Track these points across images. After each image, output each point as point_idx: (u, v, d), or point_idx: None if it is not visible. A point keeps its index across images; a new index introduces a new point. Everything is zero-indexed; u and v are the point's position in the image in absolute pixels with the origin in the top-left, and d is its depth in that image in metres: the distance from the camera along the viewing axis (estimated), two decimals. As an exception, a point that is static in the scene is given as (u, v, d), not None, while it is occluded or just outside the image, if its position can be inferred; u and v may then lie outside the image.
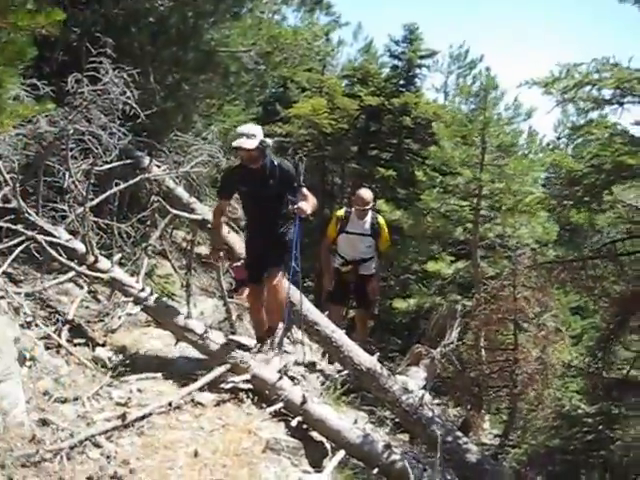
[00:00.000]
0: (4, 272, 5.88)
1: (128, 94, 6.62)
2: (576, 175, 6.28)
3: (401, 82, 15.67)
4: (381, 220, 7.60)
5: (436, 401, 7.50)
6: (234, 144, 5.47)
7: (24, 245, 5.94)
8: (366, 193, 7.48)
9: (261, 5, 10.76)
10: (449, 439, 5.63)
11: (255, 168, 5.62)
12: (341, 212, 7.66)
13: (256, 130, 5.52)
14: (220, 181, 6.54)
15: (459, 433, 5.94)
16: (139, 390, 5.18)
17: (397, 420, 6.47)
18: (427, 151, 10.76)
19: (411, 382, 7.57)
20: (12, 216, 6.12)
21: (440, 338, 8.72)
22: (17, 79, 4.49)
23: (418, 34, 15.33)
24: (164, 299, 6.22)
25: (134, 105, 6.69)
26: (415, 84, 15.89)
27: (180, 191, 7.96)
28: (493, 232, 9.25)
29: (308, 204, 5.62)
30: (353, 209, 7.54)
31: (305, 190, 5.70)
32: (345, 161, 16.81)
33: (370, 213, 7.48)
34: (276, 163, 5.63)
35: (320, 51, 13.44)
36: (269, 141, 5.61)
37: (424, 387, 7.51)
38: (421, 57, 15.57)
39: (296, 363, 6.72)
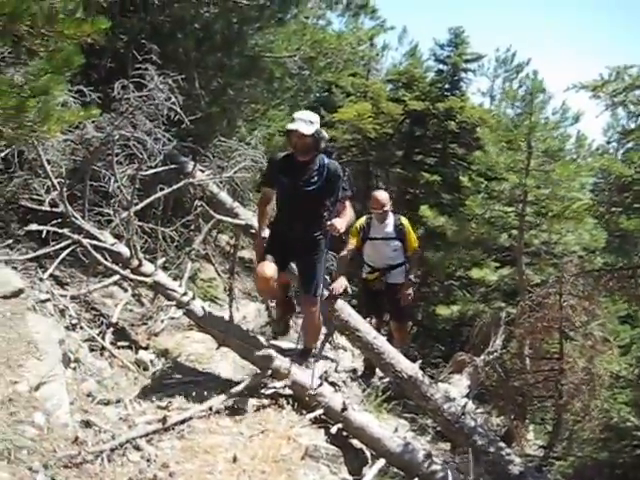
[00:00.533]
0: (51, 275, 6.01)
1: (173, 100, 6.70)
2: (626, 181, 6.12)
3: (446, 86, 15.50)
4: (404, 221, 7.07)
5: (479, 410, 7.37)
6: (289, 126, 5.03)
7: (70, 249, 6.06)
8: (381, 194, 7.03)
9: (306, 10, 10.79)
10: (491, 449, 5.52)
11: (303, 161, 5.16)
12: (362, 220, 7.10)
13: (315, 118, 5.10)
14: (264, 169, 6.30)
15: (502, 444, 5.82)
16: (180, 394, 5.21)
17: (439, 429, 6.39)
18: (472, 156, 10.61)
19: (454, 390, 7.49)
20: (59, 220, 6.26)
21: (484, 346, 8.59)
22: (64, 86, 4.56)
23: (464, 38, 15.14)
24: (206, 303, 6.25)
25: (179, 110, 6.77)
26: (460, 88, 15.70)
27: (224, 196, 8.00)
28: (539, 239, 9.05)
29: (343, 221, 5.21)
30: (373, 214, 7.08)
31: (347, 202, 5.42)
32: (390, 166, 16.71)
33: (391, 215, 7.03)
34: (326, 161, 5.14)
35: (364, 55, 13.40)
36: (325, 134, 5.19)
37: (467, 395, 7.40)
38: (467, 61, 15.36)
39: (337, 369, 6.72)
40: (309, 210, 5.24)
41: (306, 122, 4.98)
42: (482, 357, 8.16)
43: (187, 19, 8.76)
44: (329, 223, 5.11)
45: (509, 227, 9.14)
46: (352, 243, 6.96)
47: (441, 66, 15.77)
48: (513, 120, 9.51)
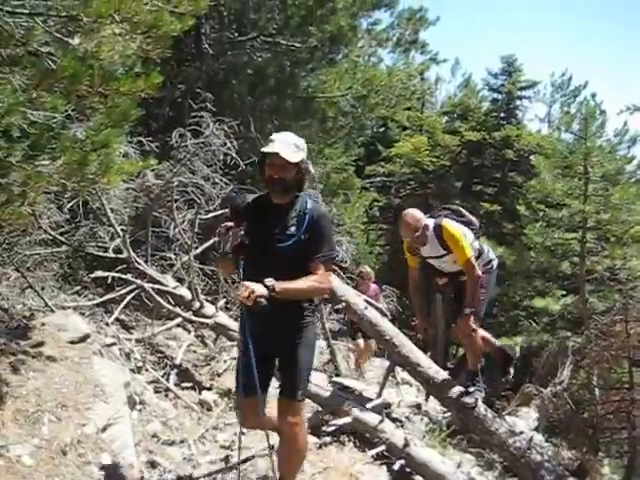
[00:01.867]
0: (117, 319, 6.23)
1: (228, 145, 6.91)
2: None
3: (502, 115, 15.52)
4: (445, 228, 5.42)
5: (546, 444, 7.16)
6: (265, 149, 3.43)
7: (134, 293, 6.27)
8: (409, 220, 5.42)
9: (356, 50, 11.01)
10: (560, 485, 5.38)
11: (280, 204, 3.51)
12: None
13: (301, 143, 3.53)
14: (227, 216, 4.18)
15: (572, 479, 5.66)
16: (243, 433, 5.27)
17: (506, 464, 6.25)
18: (528, 185, 10.54)
19: (521, 423, 7.32)
20: (123, 266, 6.50)
21: (551, 377, 8.39)
22: (124, 138, 4.78)
23: (517, 66, 15.16)
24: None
25: (234, 155, 6.96)
26: (516, 116, 15.69)
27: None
28: (602, 265, 8.85)
29: (288, 286, 3.31)
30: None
31: (322, 269, 3.44)
32: (449, 198, 16.65)
33: (430, 231, 5.42)
34: (309, 206, 3.49)
35: (416, 90, 13.51)
36: (312, 169, 3.71)
37: (536, 429, 7.23)
38: (521, 88, 15.36)
39: (400, 404, 6.69)
40: (288, 277, 3.33)
41: (289, 145, 3.43)
42: (549, 388, 7.97)
43: (240, 66, 9.09)
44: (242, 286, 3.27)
45: (570, 254, 8.97)
46: (409, 262, 5.97)
47: (495, 95, 15.80)
48: (568, 146, 9.40)
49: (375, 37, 12.49)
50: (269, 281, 3.22)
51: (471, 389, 5.82)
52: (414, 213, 5.46)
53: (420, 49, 13.39)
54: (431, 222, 5.42)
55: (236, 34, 9.33)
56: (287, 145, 3.41)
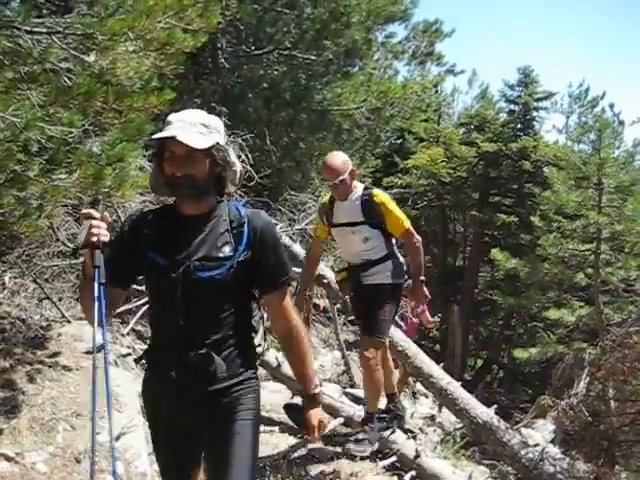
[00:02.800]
0: (132, 330, 6.32)
1: (243, 158, 6.99)
2: None
3: (518, 126, 15.52)
4: (378, 195, 4.59)
5: (560, 456, 7.12)
6: (160, 134, 2.25)
7: (148, 304, 6.34)
8: (333, 159, 4.58)
9: (372, 63, 11.10)
10: (574, 496, 5.37)
11: (194, 215, 2.35)
12: (326, 197, 4.96)
13: (214, 123, 2.34)
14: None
15: (586, 490, 5.64)
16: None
17: (520, 476, 6.24)
18: (541, 196, 10.53)
19: (537, 435, 7.31)
20: (139, 277, 6.58)
21: (567, 389, 8.35)
22: (138, 153, 4.88)
23: (534, 77, 15.18)
24: (279, 354, 6.38)
25: (249, 168, 7.05)
26: (533, 127, 15.68)
27: (297, 248, 8.19)
28: (616, 276, 8.81)
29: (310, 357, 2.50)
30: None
31: (287, 295, 2.44)
32: (466, 209, 16.68)
33: (359, 189, 4.59)
34: (243, 212, 2.37)
35: (431, 102, 13.58)
36: (237, 164, 2.40)
37: (552, 441, 7.21)
38: (538, 99, 15.36)
39: (413, 415, 6.71)
40: (214, 320, 2.33)
41: (193, 125, 2.26)
42: (565, 400, 7.93)
43: (256, 79, 9.21)
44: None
45: (584, 265, 8.95)
46: (315, 231, 5.12)
47: (512, 106, 15.83)
48: (582, 157, 9.40)
49: (391, 50, 12.61)
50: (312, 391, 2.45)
51: (361, 436, 4.99)
52: (342, 155, 4.63)
53: (436, 61, 13.50)
54: (360, 185, 4.62)
55: (252, 48, 9.45)
56: (190, 125, 2.24)
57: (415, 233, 4.71)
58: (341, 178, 4.43)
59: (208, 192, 2.31)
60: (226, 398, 2.34)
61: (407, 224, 4.62)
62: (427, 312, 8.31)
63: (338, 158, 4.56)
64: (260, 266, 2.34)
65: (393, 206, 4.60)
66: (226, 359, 2.31)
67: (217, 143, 2.28)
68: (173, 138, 2.17)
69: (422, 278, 4.80)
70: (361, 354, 4.84)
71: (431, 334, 14.31)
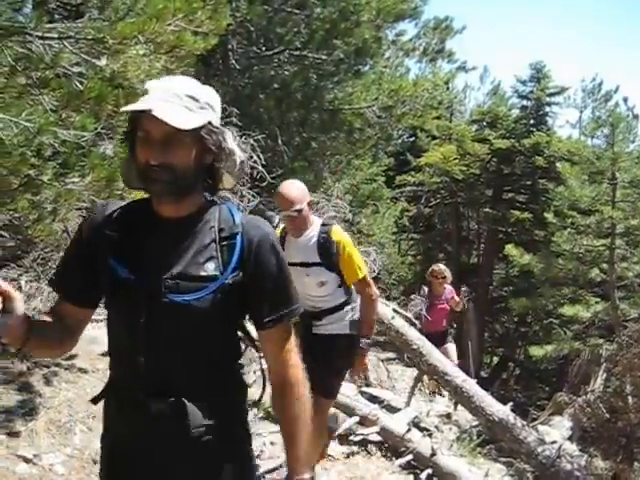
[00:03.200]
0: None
1: (255, 158, 7.00)
2: None
3: (531, 122, 15.42)
4: (337, 232, 3.88)
5: (577, 453, 7.08)
6: (131, 106, 1.65)
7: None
8: (289, 186, 3.88)
9: (382, 61, 11.08)
10: (591, 494, 5.34)
11: (174, 218, 1.74)
12: (277, 232, 3.73)
13: (206, 95, 1.75)
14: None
15: (603, 488, 5.61)
16: (272, 443, 5.33)
17: (537, 473, 6.22)
18: (554, 192, 10.47)
19: (555, 432, 7.27)
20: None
21: (584, 385, 8.30)
22: (151, 155, 4.91)
23: (546, 72, 15.07)
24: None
25: (260, 169, 7.06)
26: (546, 123, 15.57)
27: (310, 247, 8.20)
28: (632, 271, 8.75)
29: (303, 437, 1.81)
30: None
31: (282, 332, 1.80)
32: (480, 206, 16.61)
33: (316, 224, 3.90)
34: (239, 221, 1.76)
35: (442, 100, 13.51)
36: (238, 152, 1.81)
37: (569, 438, 7.17)
38: (550, 95, 15.25)
39: (429, 414, 6.71)
40: (188, 359, 1.74)
41: (177, 97, 1.64)
42: (582, 397, 7.88)
43: (267, 80, 9.21)
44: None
45: (599, 261, 8.88)
46: None
47: (524, 102, 15.73)
48: (595, 152, 9.34)
49: (401, 47, 12.56)
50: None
51: None
52: (299, 183, 3.93)
53: (447, 58, 13.41)
54: (318, 220, 3.95)
55: (263, 49, 9.46)
56: (174, 97, 1.64)
57: (373, 285, 4.02)
58: (297, 207, 3.70)
59: (193, 188, 1.72)
60: (204, 464, 1.74)
61: (364, 272, 3.90)
62: (455, 295, 8.45)
63: (294, 186, 3.86)
64: (254, 293, 1.74)
65: (352, 248, 3.86)
66: (204, 409, 1.70)
67: (209, 123, 1.70)
68: (148, 112, 1.56)
69: (368, 341, 4.08)
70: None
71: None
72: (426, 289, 8.42)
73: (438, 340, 7.68)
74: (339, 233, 3.85)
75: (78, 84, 3.92)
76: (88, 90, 3.72)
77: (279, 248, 1.80)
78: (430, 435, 5.85)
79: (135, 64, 4.11)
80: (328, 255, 3.79)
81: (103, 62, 4.08)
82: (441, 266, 8.65)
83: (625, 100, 10.60)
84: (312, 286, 3.87)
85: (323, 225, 3.86)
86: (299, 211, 3.73)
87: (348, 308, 4.01)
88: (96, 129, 4.09)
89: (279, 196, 3.81)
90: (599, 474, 7.05)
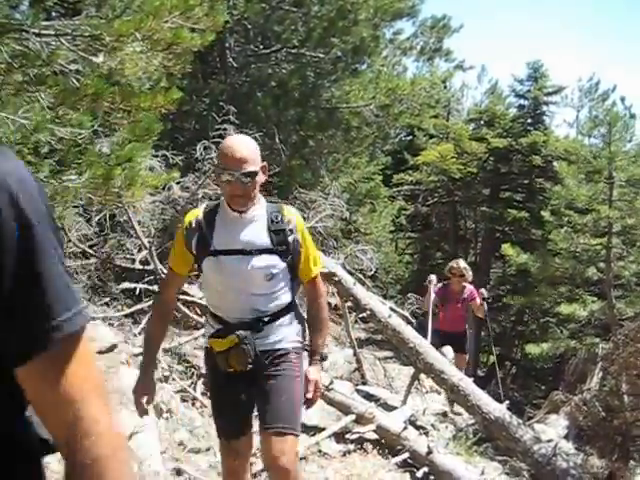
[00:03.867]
0: (144, 329, 6.34)
1: (252, 156, 6.99)
2: None
3: (528, 121, 15.43)
4: (291, 212, 3.02)
5: (573, 452, 7.09)
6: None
7: (161, 304, 6.37)
8: (241, 142, 2.91)
9: (380, 59, 11.09)
10: (587, 492, 5.35)
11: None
12: (193, 213, 2.98)
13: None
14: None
15: (599, 486, 5.62)
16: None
17: (533, 471, 6.23)
18: (551, 191, 10.48)
19: (550, 431, 7.27)
20: (151, 277, 6.63)
21: (580, 384, 8.31)
22: (148, 152, 4.90)
23: (543, 71, 15.08)
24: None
25: (257, 166, 7.05)
26: (543, 122, 15.59)
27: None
28: (628, 270, 8.75)
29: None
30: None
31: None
32: (477, 205, 16.62)
33: (262, 202, 2.96)
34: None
35: (439, 98, 13.53)
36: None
37: (565, 436, 7.17)
38: (547, 94, 15.25)
39: (425, 412, 6.71)
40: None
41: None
42: (578, 395, 7.89)
43: (264, 78, 9.23)
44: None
45: (596, 260, 8.89)
46: (172, 274, 3.11)
47: (522, 101, 15.75)
48: (592, 151, 9.35)
49: (399, 46, 12.60)
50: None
51: None
52: (252, 140, 2.96)
53: (445, 57, 13.46)
54: (262, 198, 2.96)
55: (260, 47, 9.47)
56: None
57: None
58: (251, 169, 2.70)
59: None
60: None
61: (321, 265, 3.12)
62: (476, 296, 7.80)
63: (246, 141, 2.88)
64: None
65: (308, 234, 3.02)
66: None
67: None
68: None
69: (325, 354, 3.25)
70: (271, 463, 2.87)
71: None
72: (434, 279, 7.81)
73: (453, 342, 7.56)
74: (295, 212, 3.00)
75: (75, 81, 3.92)
76: (85, 87, 3.72)
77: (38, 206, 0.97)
78: (426, 433, 5.86)
79: (132, 61, 4.11)
80: (283, 238, 2.89)
81: (100, 59, 4.07)
82: (460, 263, 8.04)
83: (622, 99, 10.67)
84: (257, 280, 2.86)
85: (270, 203, 2.99)
86: (252, 175, 2.70)
87: (292, 314, 3.01)
88: (93, 126, 4.09)
89: (225, 152, 2.75)
90: (594, 472, 7.06)
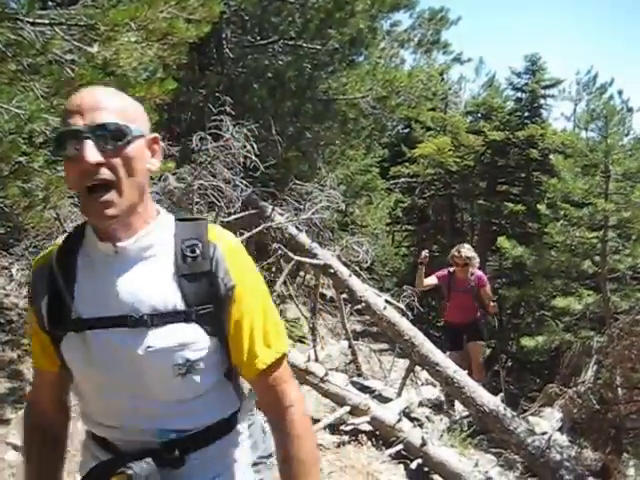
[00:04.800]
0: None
1: (248, 147, 6.97)
2: None
3: (526, 114, 15.35)
4: (224, 238, 1.57)
5: (566, 444, 7.12)
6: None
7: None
8: (98, 89, 1.50)
9: (377, 51, 11.06)
10: (580, 484, 5.37)
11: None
12: (46, 255, 1.62)
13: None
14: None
15: (592, 479, 5.64)
16: (264, 432, 5.35)
17: (527, 464, 6.25)
18: (547, 184, 10.47)
19: (545, 424, 7.30)
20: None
21: (575, 377, 8.34)
22: (143, 143, 4.88)
23: (541, 64, 15.01)
24: (290, 342, 6.39)
25: (254, 158, 7.03)
26: (540, 115, 15.52)
27: (303, 237, 8.16)
28: (624, 263, 8.75)
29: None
30: None
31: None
32: (474, 198, 16.59)
33: (165, 221, 1.60)
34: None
35: (437, 91, 13.52)
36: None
37: (559, 429, 7.20)
38: (545, 87, 15.19)
39: (420, 404, 6.73)
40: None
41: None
42: (573, 388, 7.92)
43: (261, 69, 9.19)
44: None
45: (591, 253, 8.88)
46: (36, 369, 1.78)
47: (519, 94, 15.65)
48: (589, 144, 9.35)
49: (396, 38, 12.58)
50: None
51: None
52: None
53: (442, 49, 13.45)
54: (164, 212, 1.62)
55: (257, 38, 9.43)
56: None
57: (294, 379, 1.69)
58: (114, 121, 1.41)
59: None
60: None
61: (283, 345, 1.62)
62: (486, 283, 7.52)
63: (115, 91, 1.52)
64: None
65: (260, 283, 1.63)
66: None
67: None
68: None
69: None
70: None
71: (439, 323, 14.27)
72: (425, 253, 7.37)
73: (465, 332, 7.29)
74: (227, 236, 1.62)
75: (69, 71, 3.90)
76: (79, 77, 3.70)
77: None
78: (421, 425, 5.88)
79: (127, 51, 4.09)
80: (206, 289, 1.52)
81: (95, 49, 4.06)
82: (463, 250, 7.51)
83: (620, 93, 10.71)
84: (160, 375, 1.51)
85: (181, 221, 1.61)
86: (117, 132, 1.41)
87: (242, 428, 1.75)
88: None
89: (70, 101, 1.44)
90: (588, 465, 7.10)
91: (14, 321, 4.93)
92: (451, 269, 7.58)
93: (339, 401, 5.68)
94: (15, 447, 3.57)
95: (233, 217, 7.25)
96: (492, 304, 7.48)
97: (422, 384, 8.03)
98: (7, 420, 3.76)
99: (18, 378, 4.17)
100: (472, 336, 7.35)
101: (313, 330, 8.06)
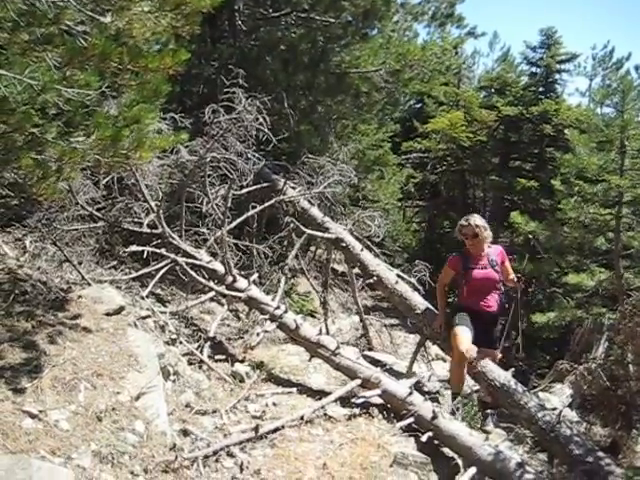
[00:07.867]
0: (152, 293, 6.38)
1: (260, 120, 6.94)
2: None
3: (540, 89, 15.14)
4: None
5: (576, 419, 7.13)
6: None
7: (168, 267, 6.40)
8: None
9: (391, 24, 10.93)
10: (589, 459, 5.36)
11: None
12: None
13: None
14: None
15: (601, 453, 5.63)
16: (274, 404, 5.40)
17: (536, 438, 6.27)
18: (562, 159, 10.36)
19: (555, 399, 7.32)
20: (158, 240, 6.64)
21: (586, 353, 8.33)
22: (155, 114, 4.85)
23: (556, 38, 14.75)
24: (298, 316, 6.41)
25: (266, 131, 7.00)
26: (555, 90, 15.30)
27: (314, 211, 8.13)
28: (637, 240, 8.69)
29: None
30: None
31: None
32: (486, 174, 16.47)
33: None
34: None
35: (450, 65, 13.38)
36: None
37: (569, 405, 7.21)
38: (560, 62, 14.95)
39: (431, 378, 6.75)
40: None
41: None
42: (583, 365, 7.90)
43: (274, 42, 9.12)
44: None
45: (605, 229, 8.80)
46: None
47: (534, 69, 15.44)
48: (604, 120, 9.23)
49: (410, 11, 12.43)
50: None
51: None
52: None
53: (456, 23, 13.28)
54: None
55: (270, 10, 9.35)
56: None
57: None
58: None
59: None
60: None
61: None
62: (506, 259, 6.14)
63: None
64: None
65: None
66: None
67: None
68: None
69: None
70: None
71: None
72: None
73: (479, 327, 5.87)
74: None
75: (82, 41, 3.87)
76: (92, 47, 3.67)
77: None
78: (432, 399, 5.89)
79: (140, 21, 4.05)
80: None
81: (108, 19, 4.02)
82: (472, 219, 6.00)
83: (637, 68, 10.52)
84: None
85: None
86: None
87: None
88: (100, 87, 4.04)
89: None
90: (598, 440, 7.11)
91: (28, 292, 4.95)
92: (457, 252, 6.19)
93: (350, 374, 5.70)
94: (31, 415, 3.61)
95: (245, 190, 7.24)
96: (516, 278, 6.18)
97: (432, 359, 8.06)
98: (23, 389, 3.79)
99: (33, 348, 4.20)
100: (485, 339, 5.96)
101: (324, 304, 8.08)
